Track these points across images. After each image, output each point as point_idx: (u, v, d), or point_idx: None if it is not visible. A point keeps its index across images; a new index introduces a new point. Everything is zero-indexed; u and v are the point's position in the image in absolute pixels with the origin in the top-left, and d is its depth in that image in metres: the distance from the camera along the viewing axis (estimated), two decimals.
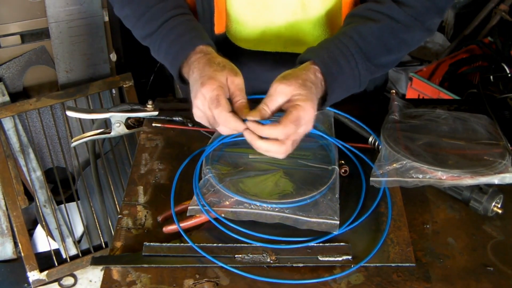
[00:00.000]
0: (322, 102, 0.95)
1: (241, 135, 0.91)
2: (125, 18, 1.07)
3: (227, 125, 0.90)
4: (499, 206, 0.93)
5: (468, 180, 0.93)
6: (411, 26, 0.99)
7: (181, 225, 0.90)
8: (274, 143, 0.88)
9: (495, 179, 0.93)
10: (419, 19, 0.99)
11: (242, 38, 1.18)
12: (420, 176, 0.95)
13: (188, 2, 1.13)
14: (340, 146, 1.04)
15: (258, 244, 0.88)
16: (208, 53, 0.96)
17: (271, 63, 1.19)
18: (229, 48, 1.19)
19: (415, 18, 0.99)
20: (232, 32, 1.18)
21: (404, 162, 0.96)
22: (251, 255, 0.86)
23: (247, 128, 0.89)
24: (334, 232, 0.89)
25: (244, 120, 0.89)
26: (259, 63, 1.20)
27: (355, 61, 0.95)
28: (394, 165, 0.97)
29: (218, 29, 1.14)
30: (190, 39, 0.98)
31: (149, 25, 1.02)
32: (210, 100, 0.89)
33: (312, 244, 0.88)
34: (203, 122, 0.94)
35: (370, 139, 1.06)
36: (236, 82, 0.92)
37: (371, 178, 0.96)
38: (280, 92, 0.90)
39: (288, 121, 0.86)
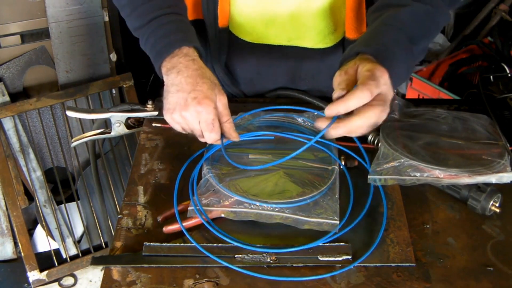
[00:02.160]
0: None
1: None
2: (122, 8, 1.07)
3: (210, 140, 0.96)
4: (497, 205, 0.93)
5: (466, 179, 0.93)
6: (437, 5, 0.96)
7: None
8: (366, 113, 0.82)
9: (493, 178, 0.93)
10: None
11: (245, 31, 1.19)
12: (418, 174, 0.95)
13: None
14: (338, 146, 1.04)
15: (258, 250, 0.88)
16: (194, 58, 0.96)
17: (275, 56, 1.20)
18: (232, 42, 1.20)
19: None
20: (236, 25, 1.18)
21: (402, 160, 0.96)
22: (251, 255, 0.86)
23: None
24: (332, 231, 0.89)
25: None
26: (263, 57, 1.20)
27: (404, 45, 0.90)
28: (392, 163, 0.97)
29: (222, 22, 1.14)
30: (177, 39, 0.98)
31: (141, 17, 1.02)
32: (206, 123, 0.93)
33: (312, 244, 0.88)
34: (177, 126, 0.97)
35: (369, 137, 1.06)
36: (224, 101, 0.96)
37: (368, 176, 0.96)
38: (344, 70, 0.85)
39: (367, 79, 0.81)
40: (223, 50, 1.20)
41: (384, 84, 0.83)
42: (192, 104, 0.92)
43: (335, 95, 0.85)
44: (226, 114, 0.96)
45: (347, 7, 1.10)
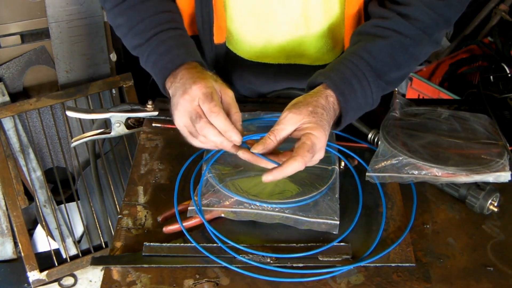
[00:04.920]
0: (337, 123, 0.95)
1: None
2: (118, 27, 1.06)
3: (216, 123, 0.88)
4: (495, 204, 0.93)
5: (463, 177, 0.93)
6: (419, 39, 0.97)
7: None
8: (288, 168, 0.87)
9: (490, 177, 0.93)
10: (427, 32, 0.97)
11: (243, 50, 1.17)
12: (416, 172, 0.95)
13: (186, 12, 1.11)
14: (338, 147, 1.04)
15: (257, 253, 0.88)
16: (192, 67, 0.96)
17: (273, 74, 1.19)
18: (229, 58, 1.19)
19: (423, 31, 0.97)
20: (233, 43, 1.17)
21: (401, 158, 0.97)
22: (251, 255, 0.86)
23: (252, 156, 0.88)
24: (335, 232, 0.89)
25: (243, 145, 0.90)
26: (261, 75, 1.19)
27: (367, 80, 0.94)
28: (391, 161, 0.97)
29: (218, 39, 1.13)
30: (179, 54, 0.98)
31: (140, 35, 1.01)
32: (204, 96, 0.88)
33: (312, 244, 0.88)
34: (184, 131, 0.93)
35: (369, 135, 1.06)
36: (230, 95, 0.93)
37: (367, 173, 0.97)
38: (289, 121, 0.88)
39: (305, 151, 0.85)
40: (220, 65, 1.19)
41: (320, 148, 0.88)
42: (189, 88, 0.90)
43: (267, 137, 0.88)
44: (234, 106, 0.93)
45: (346, 25, 1.08)
